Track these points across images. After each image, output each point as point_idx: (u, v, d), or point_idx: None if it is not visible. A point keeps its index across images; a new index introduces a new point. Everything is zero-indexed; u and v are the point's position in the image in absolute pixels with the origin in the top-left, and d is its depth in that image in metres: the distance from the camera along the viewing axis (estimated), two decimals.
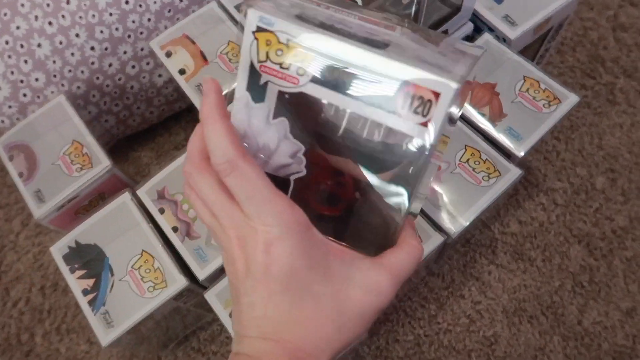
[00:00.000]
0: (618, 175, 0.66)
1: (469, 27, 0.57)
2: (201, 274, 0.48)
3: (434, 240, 0.47)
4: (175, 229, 0.49)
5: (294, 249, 0.23)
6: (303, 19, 0.26)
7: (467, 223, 0.48)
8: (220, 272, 0.48)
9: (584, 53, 0.74)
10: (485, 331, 0.60)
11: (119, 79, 0.64)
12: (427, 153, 0.25)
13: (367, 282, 0.25)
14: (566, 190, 0.66)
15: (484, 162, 0.50)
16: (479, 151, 0.50)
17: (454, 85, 0.24)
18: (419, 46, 0.27)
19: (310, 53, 0.25)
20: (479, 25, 0.57)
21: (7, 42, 0.58)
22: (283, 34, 0.25)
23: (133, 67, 0.64)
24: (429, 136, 0.25)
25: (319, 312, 0.24)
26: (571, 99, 0.52)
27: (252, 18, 0.25)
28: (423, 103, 0.25)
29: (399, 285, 0.26)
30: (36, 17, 0.57)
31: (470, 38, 0.58)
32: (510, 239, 0.64)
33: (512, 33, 0.55)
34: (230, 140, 0.24)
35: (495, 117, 0.52)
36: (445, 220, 0.48)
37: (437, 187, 0.49)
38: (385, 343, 0.60)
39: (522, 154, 0.50)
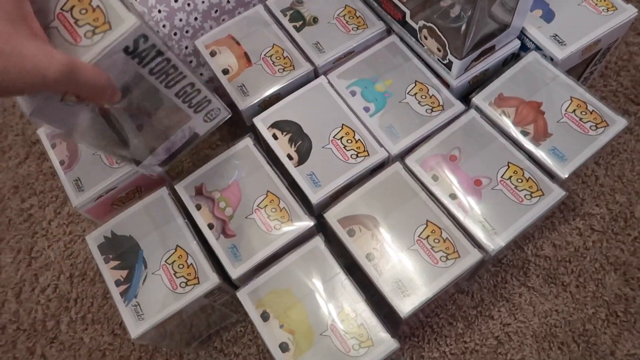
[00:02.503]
0: None
1: (515, 45, 0.56)
2: (234, 272, 0.47)
3: (472, 257, 0.46)
4: (210, 226, 0.49)
5: None
6: None
7: (506, 242, 0.47)
8: (254, 272, 0.48)
9: (628, 78, 0.73)
10: (514, 355, 0.58)
11: None
12: None
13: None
14: (604, 217, 0.64)
15: (527, 180, 0.49)
16: (522, 169, 0.49)
17: None
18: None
19: None
20: (526, 44, 0.57)
21: None
22: None
23: None
24: None
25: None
26: (619, 122, 0.51)
27: None
28: None
29: (66, 67, 0.30)
30: None
31: (516, 56, 0.58)
32: (543, 262, 0.63)
33: (560, 53, 0.55)
34: None
35: (540, 136, 0.51)
36: (483, 237, 0.47)
37: (476, 203, 0.49)
38: (409, 359, 0.59)
39: (565, 175, 0.49)
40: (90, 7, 0.34)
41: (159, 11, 0.60)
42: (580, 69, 0.63)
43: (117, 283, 0.48)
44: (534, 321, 0.60)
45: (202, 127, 0.49)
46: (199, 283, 0.47)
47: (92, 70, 0.33)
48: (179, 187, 0.51)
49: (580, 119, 0.51)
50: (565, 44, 0.55)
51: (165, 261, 0.49)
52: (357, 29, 0.59)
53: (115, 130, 0.43)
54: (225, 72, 0.58)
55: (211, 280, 0.47)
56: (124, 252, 0.50)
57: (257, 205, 0.50)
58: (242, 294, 0.47)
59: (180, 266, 0.48)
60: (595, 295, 0.61)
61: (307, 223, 0.49)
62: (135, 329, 0.46)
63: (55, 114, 0.34)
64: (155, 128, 0.46)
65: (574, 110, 0.52)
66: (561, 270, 0.62)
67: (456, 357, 0.59)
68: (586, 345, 0.58)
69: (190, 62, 0.65)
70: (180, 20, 0.61)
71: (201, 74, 0.67)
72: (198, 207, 0.50)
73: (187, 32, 0.63)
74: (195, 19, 0.62)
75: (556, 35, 0.56)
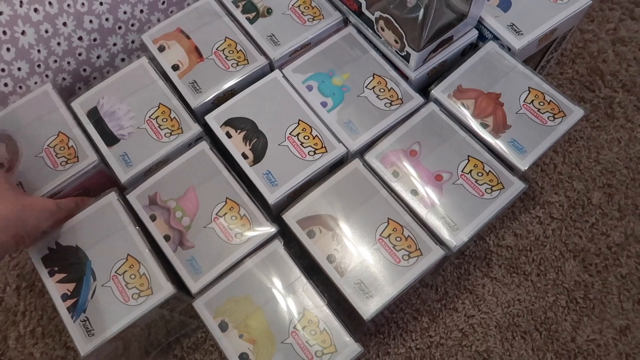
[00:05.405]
0: (615, 191, 0.65)
1: (473, 35, 0.55)
2: (194, 286, 0.45)
3: (434, 254, 0.46)
4: (167, 238, 0.47)
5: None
6: None
7: (468, 237, 0.46)
8: (213, 283, 0.45)
9: (584, 65, 0.74)
10: (478, 346, 0.59)
11: (107, 72, 0.61)
12: None
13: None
14: (562, 204, 0.65)
15: (487, 173, 0.48)
16: (482, 162, 0.49)
17: None
18: None
19: None
20: (484, 34, 0.56)
21: None
22: None
23: (122, 60, 0.61)
24: None
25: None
26: (576, 112, 0.51)
27: None
28: None
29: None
30: (21, 3, 0.54)
31: (474, 46, 0.57)
32: (505, 252, 0.63)
33: (517, 42, 0.54)
34: None
35: (499, 128, 0.51)
36: (445, 233, 0.47)
37: (438, 199, 0.48)
38: (375, 356, 0.58)
39: (525, 168, 0.49)
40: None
41: (101, 3, 0.56)
42: (537, 57, 0.62)
43: (64, 297, 0.45)
44: (497, 312, 0.60)
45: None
46: (152, 293, 0.45)
47: (68, 202, 0.48)
48: (131, 197, 0.48)
49: (539, 110, 0.51)
50: (522, 34, 0.54)
51: (116, 272, 0.46)
52: (313, 19, 0.57)
53: None
54: (175, 68, 0.55)
55: (166, 290, 0.45)
56: (71, 263, 0.46)
57: (216, 214, 0.47)
58: (199, 304, 0.44)
59: (132, 276, 0.46)
60: (556, 283, 0.61)
61: (270, 230, 0.47)
62: (85, 345, 0.44)
63: None
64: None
65: (532, 101, 0.51)
66: (522, 259, 0.63)
67: (422, 351, 0.59)
68: (548, 333, 0.59)
69: (138, 57, 0.61)
70: (125, 12, 0.58)
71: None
72: (153, 218, 0.48)
73: (132, 25, 0.59)
74: (141, 11, 0.59)
75: (513, 24, 0.55)
